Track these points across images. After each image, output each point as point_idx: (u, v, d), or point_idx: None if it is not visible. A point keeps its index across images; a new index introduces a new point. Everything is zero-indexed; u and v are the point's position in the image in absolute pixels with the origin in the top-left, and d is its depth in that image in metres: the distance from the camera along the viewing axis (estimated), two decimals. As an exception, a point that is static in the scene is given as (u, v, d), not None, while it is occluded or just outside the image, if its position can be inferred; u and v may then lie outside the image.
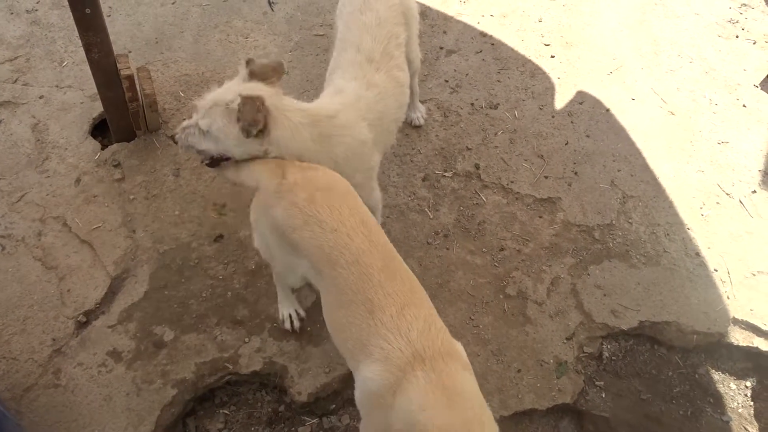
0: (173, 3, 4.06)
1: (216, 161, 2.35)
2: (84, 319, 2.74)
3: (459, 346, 1.99)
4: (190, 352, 2.68)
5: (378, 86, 2.53)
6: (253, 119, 2.11)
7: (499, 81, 3.77)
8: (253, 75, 2.25)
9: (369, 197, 2.65)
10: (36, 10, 3.94)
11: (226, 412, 2.66)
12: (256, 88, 2.21)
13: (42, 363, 2.61)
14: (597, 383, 2.71)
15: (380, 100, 2.52)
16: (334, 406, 2.64)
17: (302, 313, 2.76)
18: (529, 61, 3.88)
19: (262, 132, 2.16)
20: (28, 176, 3.22)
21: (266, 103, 2.15)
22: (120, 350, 2.67)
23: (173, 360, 2.65)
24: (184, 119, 2.37)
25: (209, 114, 2.21)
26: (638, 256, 3.04)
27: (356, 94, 2.48)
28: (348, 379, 2.66)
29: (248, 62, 2.27)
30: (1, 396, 2.41)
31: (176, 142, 2.35)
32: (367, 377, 1.90)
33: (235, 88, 2.21)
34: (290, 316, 2.73)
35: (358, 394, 1.98)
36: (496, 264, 2.98)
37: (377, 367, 1.88)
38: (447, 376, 1.80)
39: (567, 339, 2.77)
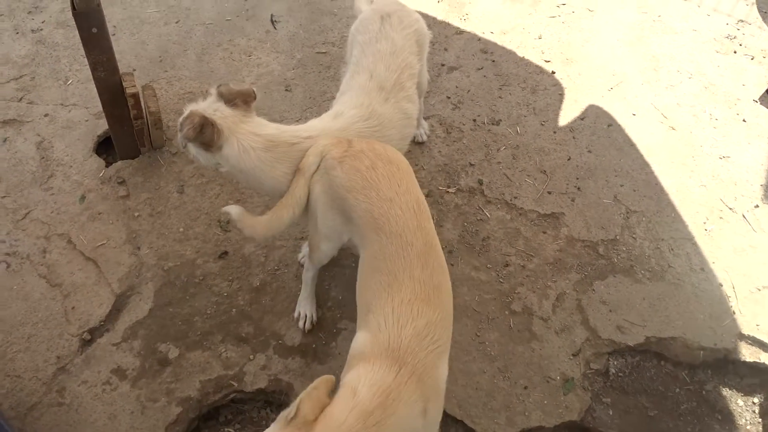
0: (177, 22, 4.10)
1: None
2: (88, 337, 2.73)
3: (441, 373, 1.91)
4: (195, 370, 2.66)
5: (381, 116, 2.53)
6: (187, 133, 2.29)
7: (500, 97, 3.80)
8: (222, 97, 2.39)
9: None
10: (41, 30, 3.98)
11: (230, 430, 2.64)
12: (213, 108, 2.36)
13: (46, 381, 2.60)
14: (604, 400, 2.70)
15: (378, 131, 2.52)
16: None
17: (315, 319, 2.79)
18: (530, 77, 3.92)
19: (209, 148, 2.35)
20: (32, 193, 3.23)
21: (210, 119, 2.30)
22: (125, 368, 2.65)
23: (178, 378, 2.64)
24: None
25: (180, 128, 2.39)
26: (643, 272, 3.04)
27: (351, 121, 2.48)
28: (354, 397, 2.64)
29: (218, 86, 2.42)
30: (6, 414, 2.39)
31: (181, 148, 2.58)
32: (356, 341, 1.96)
33: (193, 106, 2.39)
34: (306, 316, 2.76)
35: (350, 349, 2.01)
36: (501, 280, 2.98)
37: (363, 338, 1.93)
38: (394, 394, 1.73)
39: (573, 355, 2.76)
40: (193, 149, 2.43)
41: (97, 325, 2.77)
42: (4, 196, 3.21)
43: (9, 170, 3.32)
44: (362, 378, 1.77)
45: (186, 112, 2.36)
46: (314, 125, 2.50)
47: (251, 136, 2.36)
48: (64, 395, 2.57)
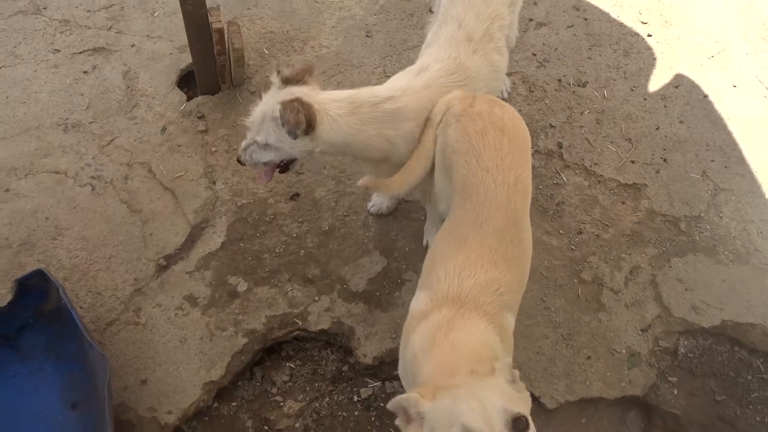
0: (264, -41, 4.07)
1: (285, 166, 2.49)
2: (164, 263, 2.84)
3: (507, 321, 1.88)
4: (262, 305, 2.74)
5: (468, 69, 2.44)
6: (295, 121, 2.18)
7: (589, 58, 3.61)
8: (287, 81, 2.32)
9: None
10: (133, -40, 4.03)
11: (291, 365, 2.72)
12: (291, 92, 2.27)
13: (124, 300, 2.73)
14: (670, 379, 2.61)
15: (464, 85, 2.43)
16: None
17: None
18: (624, 38, 3.70)
19: (309, 130, 2.24)
20: (117, 121, 3.34)
21: (305, 100, 2.21)
22: (196, 296, 2.76)
23: (245, 310, 2.72)
24: (246, 136, 2.41)
25: (262, 128, 2.31)
26: (726, 253, 2.88)
27: (435, 76, 2.40)
28: (413, 347, 2.66)
29: (278, 72, 2.34)
30: (87, 327, 2.53)
31: (242, 163, 2.43)
32: (414, 300, 1.95)
33: (274, 99, 2.28)
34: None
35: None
36: (572, 247, 2.89)
37: (422, 295, 1.92)
38: (458, 319, 1.74)
39: (642, 330, 2.67)
40: (284, 148, 2.33)
41: (173, 253, 2.88)
42: (92, 122, 3.33)
43: (97, 97, 3.44)
44: (420, 332, 1.77)
45: (278, 109, 2.20)
46: (396, 84, 2.42)
47: (334, 104, 2.30)
48: (140, 315, 2.70)
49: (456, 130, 2.15)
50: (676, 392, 2.59)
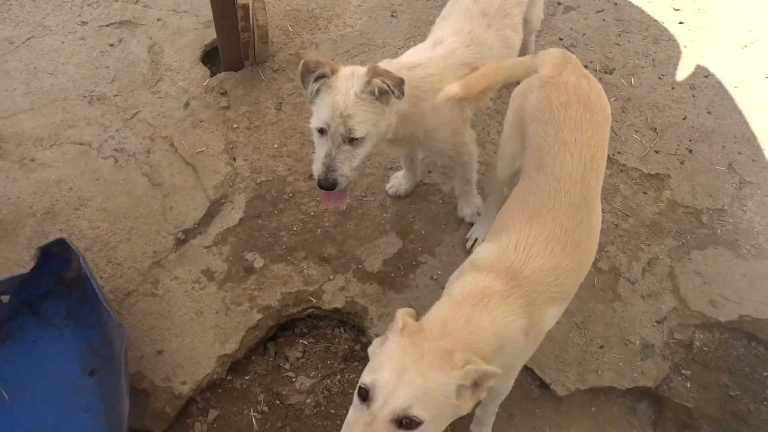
0: (290, -65, 4.04)
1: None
2: (183, 237, 2.88)
3: (550, 316, 1.87)
4: (277, 282, 2.77)
5: (483, 44, 2.42)
6: (396, 78, 2.05)
7: (618, 44, 3.54)
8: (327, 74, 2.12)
9: (460, 152, 2.59)
10: (160, -67, 4.04)
11: (305, 342, 2.76)
12: (352, 71, 2.13)
13: (143, 272, 2.78)
14: (683, 372, 2.59)
15: (478, 58, 2.41)
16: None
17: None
18: (654, 25, 3.61)
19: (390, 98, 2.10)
20: (142, 95, 3.37)
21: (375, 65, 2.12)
22: (213, 270, 2.79)
23: (261, 286, 2.76)
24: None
25: (352, 118, 2.07)
26: (748, 247, 2.83)
27: (452, 48, 2.39)
28: (425, 329, 2.67)
29: (316, 71, 2.11)
30: (106, 297, 2.59)
31: (330, 186, 2.14)
32: (483, 250, 1.95)
33: (342, 87, 2.08)
34: (477, 240, 2.79)
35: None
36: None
37: (490, 249, 1.90)
38: (497, 298, 1.71)
39: (657, 322, 2.65)
40: (375, 132, 2.15)
41: (191, 227, 2.91)
42: (117, 95, 3.37)
43: (122, 70, 3.47)
44: (464, 281, 1.79)
45: (369, 80, 2.06)
46: (417, 55, 2.42)
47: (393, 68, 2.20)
48: (158, 287, 2.75)
49: (538, 98, 2.11)
50: (688, 385, 2.57)
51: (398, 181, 2.98)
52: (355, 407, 1.52)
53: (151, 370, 2.52)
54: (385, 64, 2.28)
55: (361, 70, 2.12)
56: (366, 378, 1.51)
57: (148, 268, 2.80)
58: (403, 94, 2.07)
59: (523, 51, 3.23)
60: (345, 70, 2.14)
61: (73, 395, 2.39)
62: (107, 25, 3.67)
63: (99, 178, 3.06)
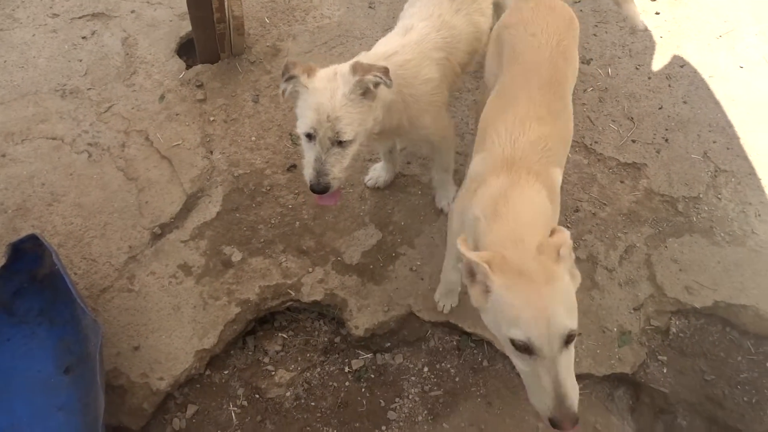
0: (266, -74, 3.99)
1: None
2: (159, 231, 2.85)
3: (555, 177, 1.99)
4: (256, 275, 2.75)
5: (452, 28, 2.43)
6: (382, 69, 2.04)
7: (595, 35, 3.56)
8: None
9: (443, 137, 2.59)
10: (133, -76, 3.97)
11: (284, 335, 2.74)
12: (334, 71, 2.11)
13: (118, 267, 2.75)
14: (660, 357, 2.62)
15: (449, 42, 2.42)
16: (389, 344, 2.67)
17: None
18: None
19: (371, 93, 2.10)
20: (116, 88, 3.32)
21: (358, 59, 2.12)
22: (190, 265, 2.76)
23: (239, 280, 2.73)
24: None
25: (339, 120, 2.04)
26: (723, 234, 2.87)
27: (424, 33, 2.39)
28: (405, 321, 2.68)
29: (293, 74, 2.11)
30: (80, 293, 2.55)
31: (323, 189, 2.13)
32: (473, 164, 2.08)
33: (329, 90, 2.05)
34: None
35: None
36: (569, 224, 2.88)
37: (479, 157, 2.05)
38: (516, 187, 1.85)
39: (634, 309, 2.67)
40: (362, 129, 2.13)
41: (168, 222, 2.88)
42: (90, 88, 3.31)
43: (95, 63, 3.41)
44: (480, 200, 1.88)
45: (356, 76, 2.04)
46: (391, 43, 2.39)
47: (375, 59, 2.22)
48: (134, 282, 2.71)
49: (510, 10, 2.41)
50: (665, 371, 2.60)
51: (377, 172, 2.97)
52: (523, 358, 1.58)
53: (128, 367, 2.49)
54: (363, 57, 2.27)
55: (343, 69, 2.08)
56: (516, 334, 1.55)
57: (124, 263, 2.76)
58: (391, 81, 2.07)
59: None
60: (325, 71, 2.10)
61: (47, 393, 2.35)
62: (79, 18, 3.60)
63: (72, 173, 3.01)
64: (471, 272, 1.67)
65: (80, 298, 2.33)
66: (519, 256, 1.63)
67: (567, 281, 1.62)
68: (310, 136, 2.11)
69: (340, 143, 2.09)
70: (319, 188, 2.12)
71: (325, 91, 2.04)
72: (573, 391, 1.56)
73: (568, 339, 1.55)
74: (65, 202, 2.90)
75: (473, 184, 1.99)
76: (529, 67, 2.15)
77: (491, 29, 2.59)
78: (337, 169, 2.12)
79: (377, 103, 2.17)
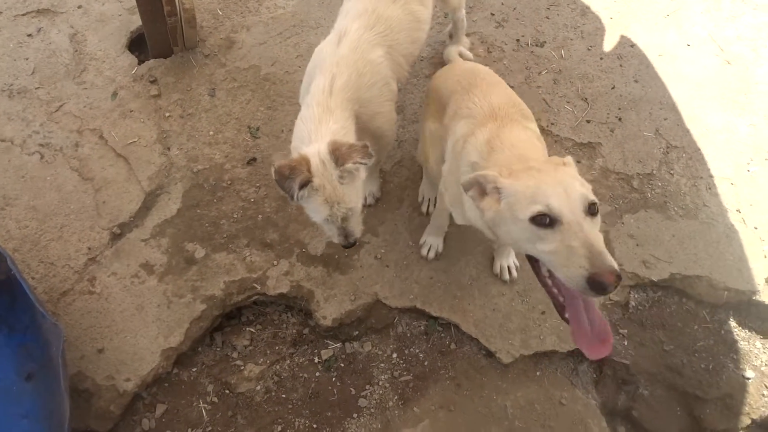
0: None
1: None
2: (118, 231, 2.80)
3: (535, 128, 2.17)
4: (220, 271, 2.73)
5: (389, 19, 2.41)
6: (356, 151, 2.07)
7: (547, 18, 3.60)
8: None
9: (385, 133, 2.60)
10: None
11: (252, 330, 2.73)
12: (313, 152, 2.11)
13: (78, 270, 2.69)
14: (621, 331, 2.70)
15: (387, 35, 2.41)
16: (357, 332, 2.69)
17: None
18: (582, -3, 3.69)
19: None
20: (66, 86, 3.23)
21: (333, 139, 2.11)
22: (152, 263, 2.73)
23: (203, 277, 2.71)
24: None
25: (345, 203, 2.12)
26: (676, 209, 2.96)
27: (356, 38, 2.35)
28: (372, 308, 2.69)
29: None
30: (39, 298, 2.49)
31: (354, 243, 2.27)
32: (459, 127, 2.20)
33: (327, 181, 2.08)
34: (431, 246, 2.79)
35: (448, 146, 2.30)
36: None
37: (463, 122, 2.19)
38: (505, 128, 2.02)
39: (594, 286, 2.74)
40: (360, 178, 2.19)
41: (127, 221, 2.83)
42: (38, 87, 3.22)
43: (43, 61, 3.31)
44: (475, 145, 2.04)
45: (340, 168, 2.08)
46: (327, 61, 2.30)
47: (332, 117, 2.24)
48: (95, 284, 2.66)
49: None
50: (626, 343, 2.68)
51: None
52: (547, 237, 1.60)
53: (93, 370, 2.45)
54: (313, 97, 2.22)
55: (325, 154, 2.06)
56: (534, 209, 1.60)
57: (84, 265, 2.71)
58: (371, 156, 2.10)
59: (454, 29, 3.27)
60: (314, 163, 2.07)
61: (10, 401, 2.30)
62: (23, 14, 3.48)
63: (24, 175, 2.92)
64: (481, 190, 1.78)
65: (39, 303, 2.28)
66: (525, 165, 1.77)
67: (576, 173, 1.76)
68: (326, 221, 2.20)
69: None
70: (352, 245, 2.29)
71: (326, 185, 2.08)
72: (606, 251, 1.54)
73: (590, 209, 1.61)
74: (18, 205, 2.83)
75: (461, 141, 2.12)
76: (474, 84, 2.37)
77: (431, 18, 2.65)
78: (358, 227, 2.28)
79: (363, 172, 2.21)
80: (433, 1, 2.69)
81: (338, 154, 2.05)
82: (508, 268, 2.74)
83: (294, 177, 2.03)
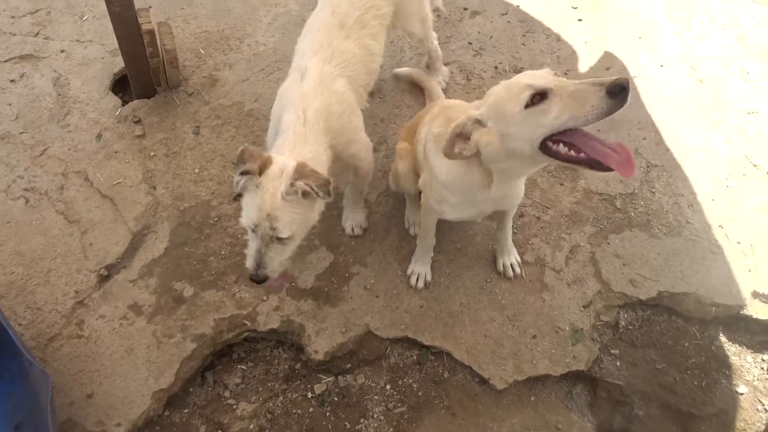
0: (194, -43, 3.99)
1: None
2: (106, 273, 2.78)
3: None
4: (209, 308, 2.71)
5: (344, 52, 2.49)
6: (322, 180, 2.06)
7: (524, 44, 3.68)
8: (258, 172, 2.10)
9: (366, 157, 2.64)
10: (56, -38, 3.90)
11: (243, 367, 2.71)
12: (281, 169, 2.10)
13: (65, 314, 2.67)
14: (612, 351, 2.71)
15: (345, 66, 2.49)
16: (349, 365, 2.67)
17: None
18: (556, 24, 3.78)
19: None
20: (50, 130, 3.24)
21: (302, 162, 2.12)
22: (141, 304, 2.71)
23: (193, 315, 2.69)
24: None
25: (277, 220, 2.06)
26: (660, 227, 3.00)
27: (317, 71, 2.39)
28: (363, 340, 2.69)
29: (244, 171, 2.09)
30: (27, 345, 2.46)
31: (261, 280, 2.18)
32: (421, 136, 2.46)
33: (271, 189, 2.05)
34: (419, 275, 2.82)
35: (419, 149, 2.51)
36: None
37: (426, 126, 2.42)
38: (451, 109, 2.31)
39: (584, 307, 2.76)
40: (317, 210, 2.24)
41: (114, 262, 2.82)
42: (22, 132, 3.23)
43: (26, 106, 3.33)
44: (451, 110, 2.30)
45: (291, 181, 2.06)
46: (291, 98, 2.36)
47: (308, 147, 2.27)
48: (83, 328, 2.64)
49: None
50: (618, 364, 2.69)
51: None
52: (544, 107, 1.75)
53: (82, 416, 2.42)
54: (290, 129, 2.25)
55: (290, 167, 2.08)
56: (524, 94, 1.77)
57: (71, 309, 2.68)
58: (329, 195, 2.08)
59: (429, 60, 3.34)
60: (274, 168, 2.08)
61: (-2, 453, 2.26)
62: (6, 61, 3.50)
63: (9, 220, 2.91)
64: (464, 137, 1.97)
65: (26, 350, 2.25)
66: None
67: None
68: (252, 230, 2.14)
69: (279, 239, 2.12)
70: (258, 279, 2.18)
71: (268, 190, 2.05)
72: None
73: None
74: (4, 251, 2.81)
75: (428, 139, 2.36)
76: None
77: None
78: (276, 262, 2.17)
79: (320, 204, 2.21)
80: (385, 36, 2.77)
81: (299, 172, 2.05)
82: (511, 265, 2.80)
83: (245, 163, 2.05)
